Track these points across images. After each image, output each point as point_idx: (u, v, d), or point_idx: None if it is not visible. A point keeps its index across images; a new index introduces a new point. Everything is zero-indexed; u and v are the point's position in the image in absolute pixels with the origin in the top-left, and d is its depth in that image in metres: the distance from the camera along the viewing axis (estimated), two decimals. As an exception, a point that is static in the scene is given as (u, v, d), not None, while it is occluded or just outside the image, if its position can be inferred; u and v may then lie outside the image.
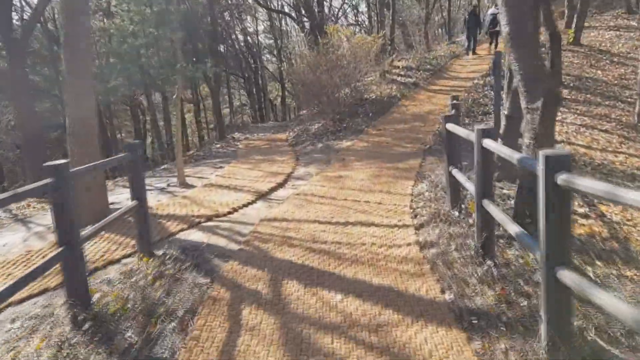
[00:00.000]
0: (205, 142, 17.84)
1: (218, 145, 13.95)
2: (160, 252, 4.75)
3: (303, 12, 19.94)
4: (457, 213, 5.20)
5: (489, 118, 11.10)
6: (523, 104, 4.68)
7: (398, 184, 7.16)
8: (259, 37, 29.35)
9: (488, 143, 3.61)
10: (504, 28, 4.69)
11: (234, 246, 4.97)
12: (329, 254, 4.49)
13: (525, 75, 4.57)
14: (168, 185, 8.72)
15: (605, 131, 10.24)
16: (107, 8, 15.29)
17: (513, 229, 3.07)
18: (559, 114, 11.38)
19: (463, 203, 5.42)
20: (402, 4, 26.68)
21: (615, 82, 13.20)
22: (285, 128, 15.63)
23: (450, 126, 5.11)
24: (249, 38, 28.28)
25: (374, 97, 14.45)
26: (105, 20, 14.85)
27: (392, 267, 4.10)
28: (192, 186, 8.38)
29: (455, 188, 5.35)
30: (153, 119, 17.11)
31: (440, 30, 28.79)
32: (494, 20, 16.28)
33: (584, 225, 5.32)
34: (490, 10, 17.27)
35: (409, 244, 4.61)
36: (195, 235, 5.44)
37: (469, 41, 18.30)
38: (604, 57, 15.25)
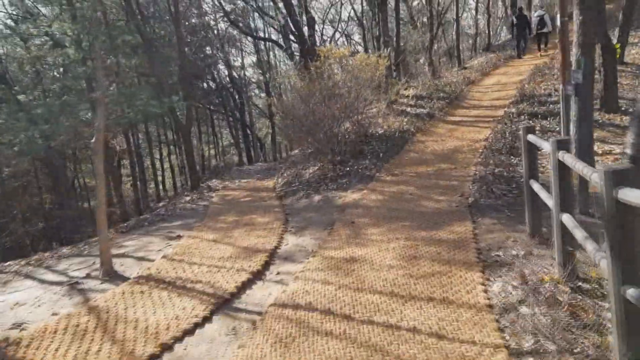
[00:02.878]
0: (177, 194, 14.83)
1: (187, 198, 10.94)
2: None
3: (292, 38, 17.35)
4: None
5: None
6: None
7: (455, 277, 4.15)
8: (245, 72, 26.79)
9: None
10: None
11: None
12: None
13: None
14: (88, 275, 5.65)
15: None
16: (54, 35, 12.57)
17: None
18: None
19: None
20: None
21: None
22: (274, 171, 12.70)
23: (636, 196, 2.10)
24: (234, 72, 25.71)
25: (381, 132, 11.60)
26: (52, 50, 12.09)
27: None
28: (120, 277, 5.35)
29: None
30: (113, 165, 14.10)
31: (443, 58, 26.36)
32: (542, 22, 16.29)
33: None
34: (537, 13, 17.07)
35: None
36: None
37: (519, 43, 17.72)
38: (656, 77, 12.59)
